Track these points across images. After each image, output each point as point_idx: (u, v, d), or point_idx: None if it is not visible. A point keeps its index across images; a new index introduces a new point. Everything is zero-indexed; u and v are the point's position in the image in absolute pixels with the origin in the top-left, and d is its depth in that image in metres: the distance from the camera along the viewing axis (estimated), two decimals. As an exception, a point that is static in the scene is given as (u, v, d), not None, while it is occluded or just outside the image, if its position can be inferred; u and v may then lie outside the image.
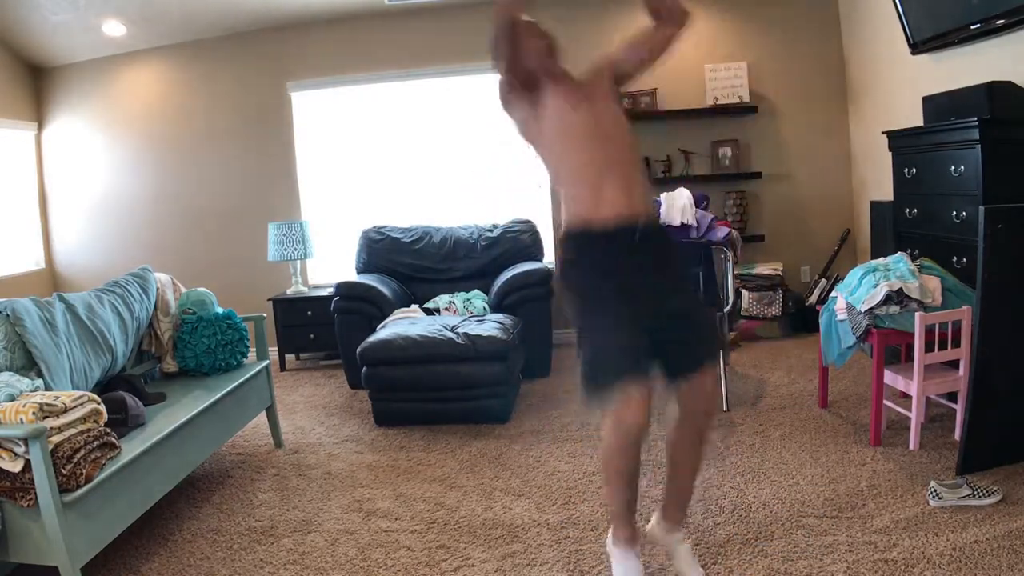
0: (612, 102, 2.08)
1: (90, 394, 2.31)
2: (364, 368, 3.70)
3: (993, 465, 2.66)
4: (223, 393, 3.03)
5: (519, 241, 4.84)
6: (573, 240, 2.00)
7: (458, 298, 4.47)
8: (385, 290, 4.44)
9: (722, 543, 2.34)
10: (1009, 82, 3.16)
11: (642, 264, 1.93)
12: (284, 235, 5.00)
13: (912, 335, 2.86)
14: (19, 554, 2.09)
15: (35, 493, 2.02)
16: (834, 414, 3.45)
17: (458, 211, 5.26)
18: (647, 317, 1.90)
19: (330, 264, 5.45)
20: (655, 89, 5.07)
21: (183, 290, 3.56)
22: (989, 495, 2.42)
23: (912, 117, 3.84)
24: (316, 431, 3.75)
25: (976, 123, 2.97)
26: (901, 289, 2.92)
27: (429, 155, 5.38)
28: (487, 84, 5.25)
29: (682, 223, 3.88)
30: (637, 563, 2.00)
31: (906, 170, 3.59)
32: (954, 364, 2.99)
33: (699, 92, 5.09)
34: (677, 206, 3.90)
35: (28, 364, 2.53)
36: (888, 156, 3.80)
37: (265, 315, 3.68)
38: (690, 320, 1.99)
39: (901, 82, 4.28)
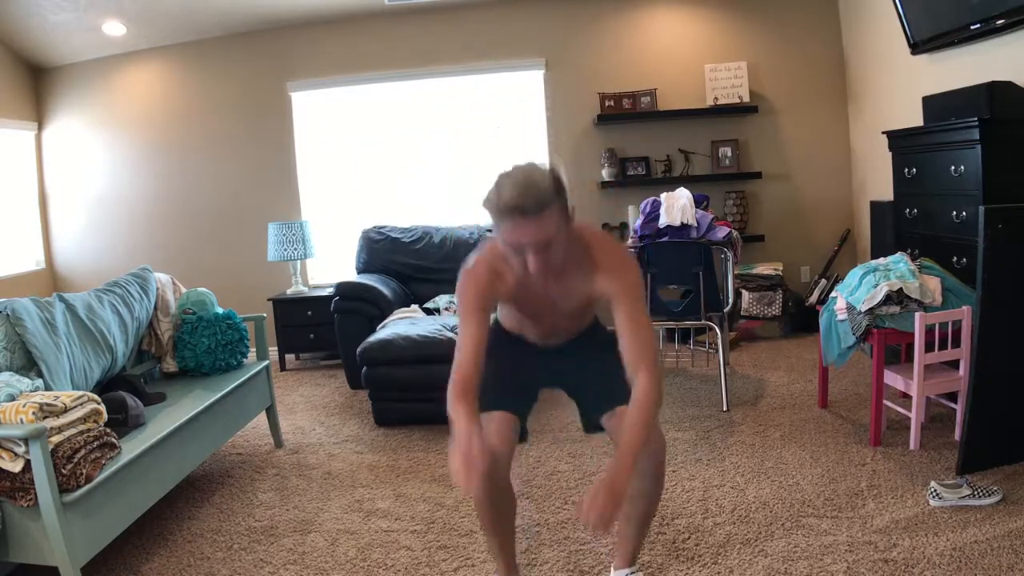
0: (576, 313, 2.00)
1: (90, 394, 2.31)
2: (364, 368, 3.70)
3: (993, 465, 2.66)
4: (223, 393, 3.03)
5: (519, 241, 4.83)
6: (502, 327, 2.13)
7: (458, 298, 4.47)
8: (385, 290, 4.43)
9: (722, 543, 2.34)
10: (1009, 82, 3.16)
11: (547, 352, 2.05)
12: (284, 235, 5.00)
13: (912, 335, 2.86)
14: (19, 554, 2.09)
15: (35, 493, 2.02)
16: (834, 414, 3.45)
17: (458, 211, 5.25)
18: (542, 382, 2.11)
19: (330, 264, 5.45)
20: (655, 89, 5.07)
21: (183, 290, 3.56)
22: (989, 495, 2.42)
23: (912, 117, 3.84)
24: (316, 431, 3.75)
25: (976, 123, 2.97)
26: (901, 289, 2.92)
27: (429, 155, 5.38)
28: (487, 84, 5.25)
29: (682, 223, 3.89)
30: None
31: (906, 170, 3.59)
32: (954, 364, 2.99)
33: (699, 92, 5.09)
34: (677, 206, 3.90)
35: (28, 364, 2.53)
36: (888, 156, 3.80)
37: (265, 315, 3.68)
38: (592, 385, 2.04)
39: (901, 82, 4.28)
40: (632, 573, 2.08)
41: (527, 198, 1.63)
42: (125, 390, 2.80)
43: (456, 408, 1.71)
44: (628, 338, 1.77)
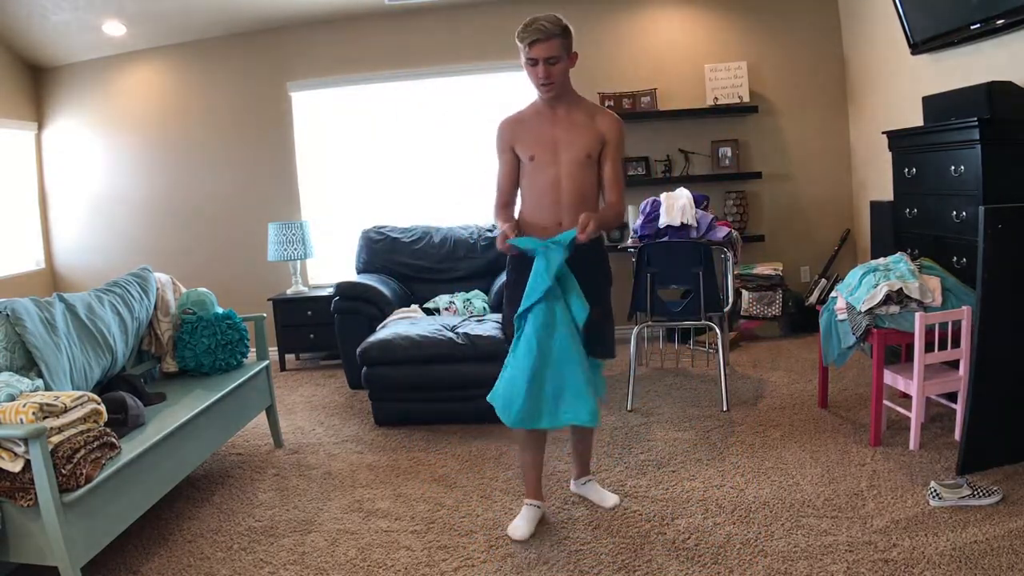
0: (577, 162, 2.49)
1: (90, 394, 2.31)
2: (364, 368, 3.70)
3: (993, 465, 2.66)
4: (223, 393, 3.03)
5: (519, 241, 4.83)
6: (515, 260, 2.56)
7: (458, 298, 4.47)
8: (385, 290, 4.43)
9: (722, 543, 2.34)
10: (1009, 82, 3.16)
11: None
12: (284, 235, 5.00)
13: (912, 335, 2.86)
14: (19, 554, 2.09)
15: (35, 493, 2.02)
16: (834, 414, 3.45)
17: (458, 211, 5.25)
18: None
19: (330, 264, 5.45)
20: (655, 89, 5.07)
21: (183, 290, 3.56)
22: (989, 495, 2.42)
23: (912, 117, 3.84)
24: (316, 431, 3.75)
25: (976, 123, 2.97)
26: (901, 289, 2.92)
27: (429, 155, 5.38)
28: (487, 84, 5.25)
29: (682, 223, 3.89)
30: (532, 510, 2.59)
31: (906, 170, 3.59)
32: (954, 364, 2.99)
33: (699, 92, 5.09)
34: (677, 206, 3.90)
35: (28, 364, 2.53)
36: (888, 156, 3.80)
37: (265, 315, 3.68)
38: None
39: (901, 82, 4.28)
40: (590, 479, 2.79)
41: (538, 29, 2.34)
42: (125, 390, 2.81)
43: (498, 216, 2.57)
44: (608, 179, 2.51)
